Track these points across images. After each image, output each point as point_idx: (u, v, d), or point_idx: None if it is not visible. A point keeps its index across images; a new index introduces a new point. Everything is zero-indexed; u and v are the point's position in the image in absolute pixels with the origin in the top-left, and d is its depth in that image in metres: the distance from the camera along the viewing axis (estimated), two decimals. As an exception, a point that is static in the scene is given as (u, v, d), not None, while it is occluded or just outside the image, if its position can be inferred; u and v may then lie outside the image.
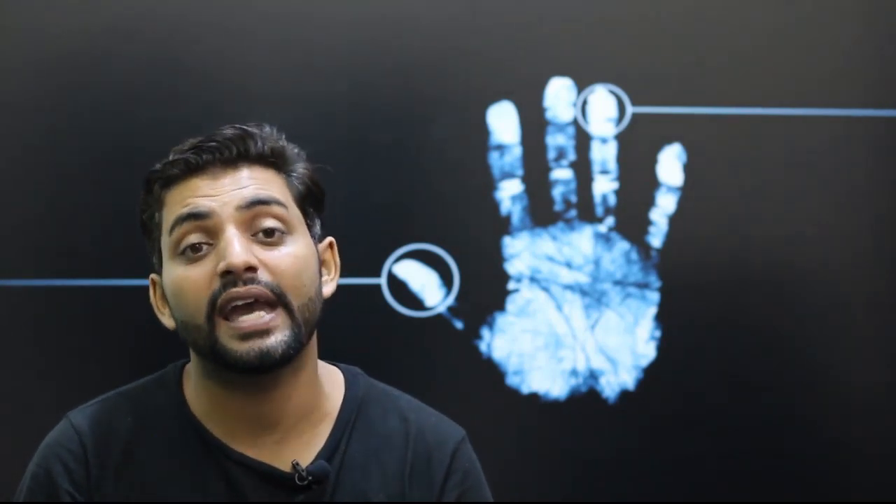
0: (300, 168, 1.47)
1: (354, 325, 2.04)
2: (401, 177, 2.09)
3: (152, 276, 1.48)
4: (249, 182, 1.42)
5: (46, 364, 2.02)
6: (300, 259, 1.41)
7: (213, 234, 1.40)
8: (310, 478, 1.42)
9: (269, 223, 1.41)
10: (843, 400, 2.16)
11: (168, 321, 1.46)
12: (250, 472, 1.42)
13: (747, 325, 2.14)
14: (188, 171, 1.42)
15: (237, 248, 1.37)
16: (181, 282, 1.40)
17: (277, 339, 1.38)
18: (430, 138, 2.10)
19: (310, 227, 1.46)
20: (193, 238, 1.40)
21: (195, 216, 1.39)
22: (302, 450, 1.45)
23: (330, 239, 1.50)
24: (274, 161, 1.45)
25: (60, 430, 1.46)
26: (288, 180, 1.45)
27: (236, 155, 1.42)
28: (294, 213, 1.44)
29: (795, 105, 2.16)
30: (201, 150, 1.42)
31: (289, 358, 1.39)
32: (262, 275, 1.38)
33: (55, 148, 2.03)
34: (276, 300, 1.38)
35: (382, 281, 2.09)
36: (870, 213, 2.17)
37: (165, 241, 1.42)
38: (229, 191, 1.40)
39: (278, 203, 1.41)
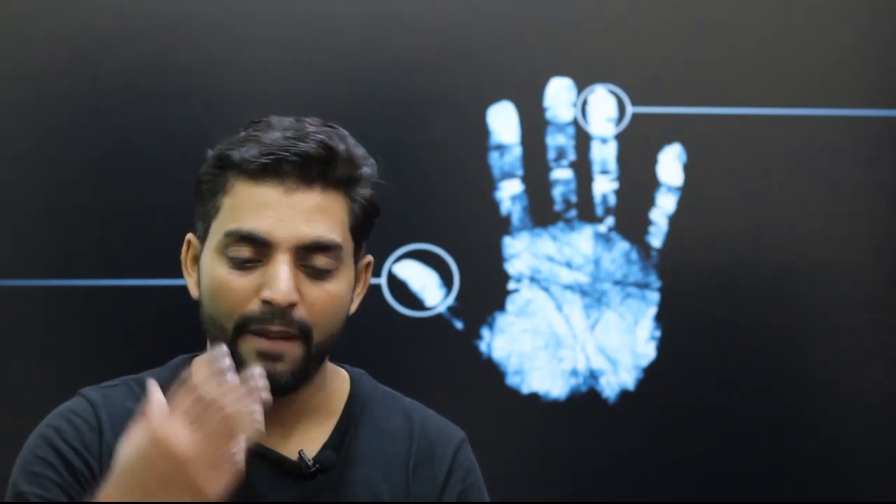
0: (366, 192, 1.47)
1: (354, 325, 2.03)
2: (400, 177, 2.09)
3: (189, 235, 1.48)
4: (316, 216, 1.42)
5: (46, 364, 2.02)
6: (338, 299, 1.43)
7: (265, 253, 1.40)
8: (317, 465, 1.43)
9: (322, 264, 1.41)
10: (843, 400, 2.16)
11: (193, 289, 1.47)
12: (257, 458, 1.43)
13: (747, 325, 2.14)
14: (264, 173, 1.42)
15: (285, 283, 1.38)
16: (222, 284, 1.41)
17: (286, 366, 1.40)
18: (430, 138, 2.10)
19: (356, 255, 1.47)
20: (245, 253, 1.41)
21: (253, 239, 1.40)
22: (307, 443, 1.46)
23: (369, 258, 1.51)
24: (346, 187, 1.45)
25: (74, 402, 1.47)
26: (351, 206, 1.45)
27: (315, 174, 1.42)
28: (347, 249, 1.44)
29: (795, 105, 2.16)
30: (282, 160, 1.41)
31: (293, 388, 1.41)
32: (299, 310, 1.40)
33: (55, 148, 2.03)
34: (299, 335, 1.40)
35: (382, 281, 2.09)
36: (870, 213, 2.17)
37: (217, 230, 1.43)
38: (294, 217, 1.41)
39: (337, 247, 1.42)
